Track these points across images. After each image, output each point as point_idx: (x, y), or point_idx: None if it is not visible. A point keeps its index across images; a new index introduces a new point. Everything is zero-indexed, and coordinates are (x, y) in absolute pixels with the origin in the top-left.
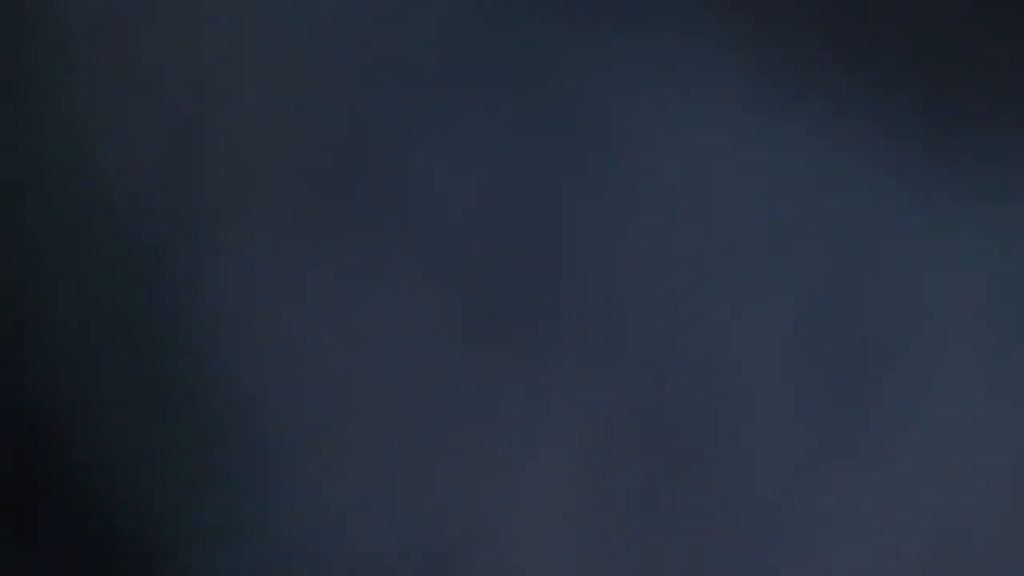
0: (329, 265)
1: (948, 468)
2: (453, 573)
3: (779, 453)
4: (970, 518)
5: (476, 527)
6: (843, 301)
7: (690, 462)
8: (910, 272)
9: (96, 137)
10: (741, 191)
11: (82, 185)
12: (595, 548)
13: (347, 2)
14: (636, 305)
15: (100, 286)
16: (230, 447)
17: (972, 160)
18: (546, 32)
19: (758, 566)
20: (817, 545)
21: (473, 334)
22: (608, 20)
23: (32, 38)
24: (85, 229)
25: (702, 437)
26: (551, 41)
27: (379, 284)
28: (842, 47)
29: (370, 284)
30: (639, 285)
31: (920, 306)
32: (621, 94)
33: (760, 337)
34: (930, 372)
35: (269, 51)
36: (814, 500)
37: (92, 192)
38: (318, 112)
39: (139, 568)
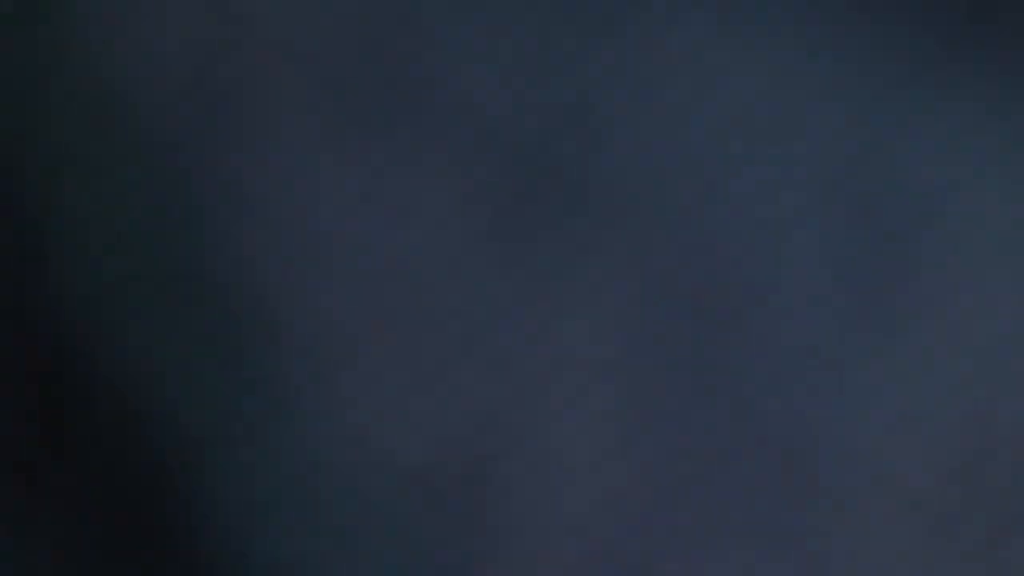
0: (359, 159)
1: (981, 334)
2: (496, 452)
3: (813, 313)
4: (1006, 387)
5: (514, 394)
6: (877, 165)
7: (724, 323)
8: (948, 138)
9: (124, 14)
10: (773, 61)
11: (109, 60)
12: (632, 414)
13: None
14: (667, 173)
15: (126, 162)
16: (262, 349)
17: (1007, 43)
18: None
19: (793, 421)
20: (851, 406)
21: (501, 199)
22: None
23: None
24: (112, 103)
25: (736, 300)
26: None
27: (404, 155)
28: None
29: (394, 155)
30: (670, 155)
31: (956, 173)
32: None
33: (791, 203)
34: (966, 237)
35: None
36: (847, 359)
37: (119, 67)
38: (345, 10)
39: (169, 478)
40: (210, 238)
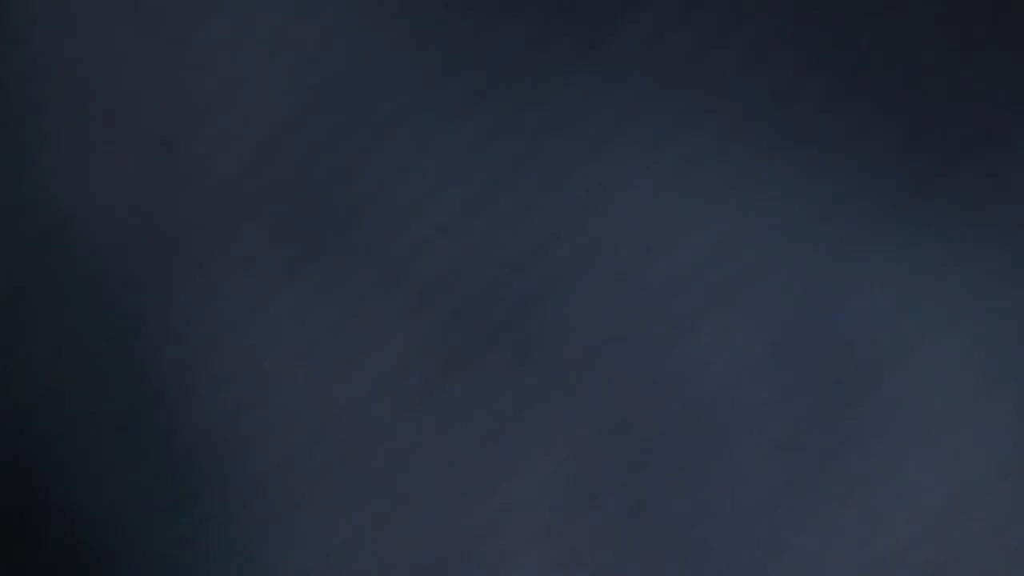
0: (306, 284)
1: (929, 501)
2: None
3: (760, 482)
4: (951, 550)
5: (457, 547)
6: (828, 325)
7: (672, 482)
8: (894, 306)
9: (72, 158)
10: (728, 217)
11: (57, 205)
12: (577, 569)
13: (324, 34)
14: (617, 322)
15: (75, 306)
16: (204, 470)
17: (957, 205)
18: (529, 63)
19: None
20: (798, 570)
21: (451, 350)
22: (591, 70)
23: (7, 63)
24: (60, 248)
25: (681, 459)
26: (535, 76)
27: (356, 303)
28: (823, 92)
29: (346, 302)
30: (621, 303)
31: (903, 342)
32: (602, 134)
33: (742, 361)
34: (912, 406)
35: (244, 73)
36: (796, 526)
37: (68, 212)
38: (293, 133)
39: None
40: (162, 377)
